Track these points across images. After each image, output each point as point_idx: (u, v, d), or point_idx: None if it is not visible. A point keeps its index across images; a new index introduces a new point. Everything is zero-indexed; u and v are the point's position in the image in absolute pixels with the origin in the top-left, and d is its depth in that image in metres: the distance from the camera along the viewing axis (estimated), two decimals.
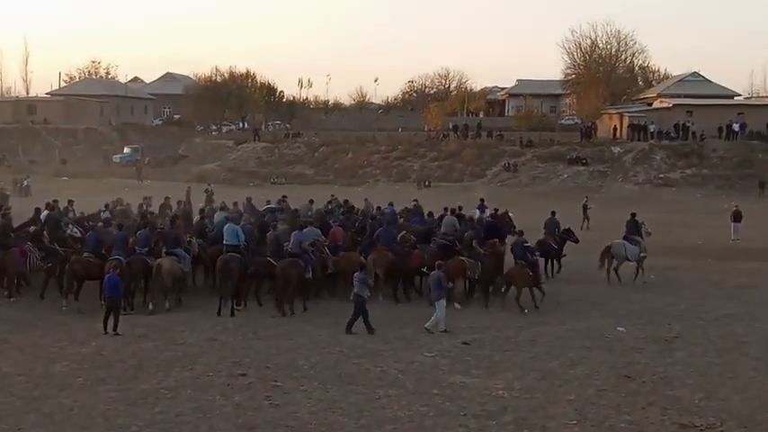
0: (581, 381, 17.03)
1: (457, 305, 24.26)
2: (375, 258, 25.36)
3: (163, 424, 14.10)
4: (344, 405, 15.17)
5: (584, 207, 45.46)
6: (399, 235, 26.87)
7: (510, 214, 32.49)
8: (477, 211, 33.85)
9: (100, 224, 27.64)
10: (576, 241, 30.76)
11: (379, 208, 32.60)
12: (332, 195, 39.31)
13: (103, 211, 31.49)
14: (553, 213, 31.53)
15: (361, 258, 25.52)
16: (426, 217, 30.66)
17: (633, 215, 30.82)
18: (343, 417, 14.59)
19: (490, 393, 16.06)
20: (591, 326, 22.22)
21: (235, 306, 23.11)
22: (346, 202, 34.64)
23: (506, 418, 14.66)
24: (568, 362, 18.49)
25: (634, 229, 30.16)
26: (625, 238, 29.76)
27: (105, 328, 20.32)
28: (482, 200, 36.68)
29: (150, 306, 23.70)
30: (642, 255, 29.47)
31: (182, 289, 25.09)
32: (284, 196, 37.24)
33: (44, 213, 28.45)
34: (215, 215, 30.14)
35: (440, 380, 16.92)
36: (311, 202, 34.43)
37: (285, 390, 16.01)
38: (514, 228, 29.78)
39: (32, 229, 26.85)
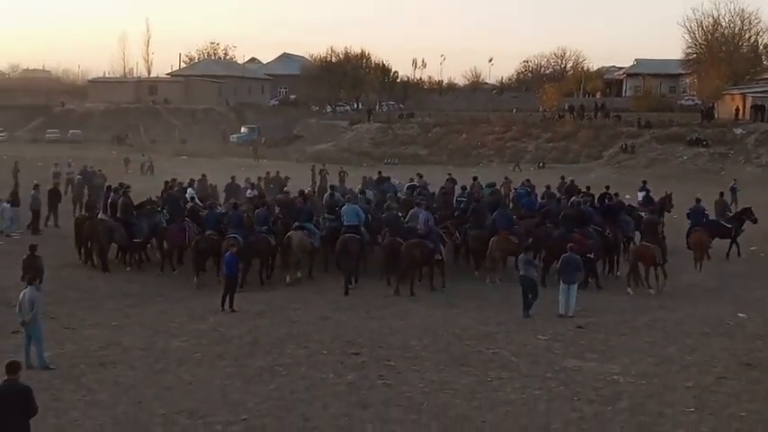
0: (699, 367, 16.59)
1: (651, 290, 24.21)
2: (498, 242, 24.95)
3: (277, 401, 14.30)
4: (457, 386, 15.13)
5: (733, 189, 44.21)
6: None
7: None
8: (640, 194, 34.38)
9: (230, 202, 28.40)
10: (755, 221, 30.97)
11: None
12: (448, 174, 39.36)
13: (250, 191, 32.36)
14: (721, 194, 32.43)
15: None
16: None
17: None
18: (455, 398, 14.56)
19: (605, 378, 15.79)
20: (710, 312, 21.64)
21: (348, 286, 23.26)
22: (493, 186, 33.78)
23: (622, 404, 14.40)
24: (687, 348, 18.03)
25: None
26: None
27: (223, 304, 20.77)
28: (644, 182, 36.84)
29: (288, 278, 24.20)
30: None
31: (311, 263, 25.48)
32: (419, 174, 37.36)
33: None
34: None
35: (553, 363, 16.71)
36: (420, 176, 36.17)
37: (398, 369, 16.06)
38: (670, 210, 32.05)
39: (189, 205, 28.13)
